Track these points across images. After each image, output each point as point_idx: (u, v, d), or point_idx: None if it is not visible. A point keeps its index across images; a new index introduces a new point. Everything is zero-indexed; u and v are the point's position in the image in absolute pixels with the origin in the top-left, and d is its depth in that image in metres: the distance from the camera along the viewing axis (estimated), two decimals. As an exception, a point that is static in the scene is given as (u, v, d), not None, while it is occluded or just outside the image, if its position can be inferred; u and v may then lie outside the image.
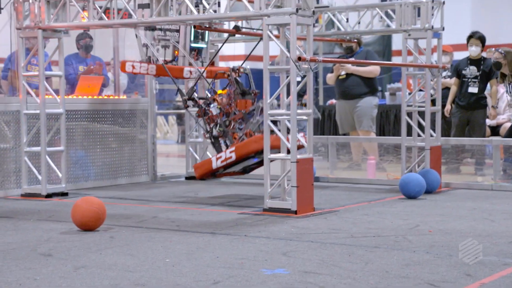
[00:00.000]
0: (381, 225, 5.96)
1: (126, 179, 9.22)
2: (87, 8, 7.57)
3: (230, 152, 7.18)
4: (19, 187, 7.97)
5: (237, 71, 7.61)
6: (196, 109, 7.73)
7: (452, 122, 9.79)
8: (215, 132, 7.50)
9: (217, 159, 7.27)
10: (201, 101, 7.60)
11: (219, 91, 7.61)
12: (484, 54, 9.76)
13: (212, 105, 7.50)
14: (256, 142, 7.06)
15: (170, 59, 8.06)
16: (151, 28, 7.91)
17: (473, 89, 9.59)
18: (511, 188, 8.19)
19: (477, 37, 9.54)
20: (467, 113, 9.68)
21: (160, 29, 7.96)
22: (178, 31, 8.07)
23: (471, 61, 9.62)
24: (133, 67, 7.94)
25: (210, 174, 7.45)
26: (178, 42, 8.04)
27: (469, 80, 9.58)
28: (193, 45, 8.11)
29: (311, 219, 6.22)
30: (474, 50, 9.54)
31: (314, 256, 4.72)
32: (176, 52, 8.08)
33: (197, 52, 8.17)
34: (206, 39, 8.27)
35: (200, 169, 7.48)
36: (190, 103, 7.71)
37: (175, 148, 16.07)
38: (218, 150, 7.51)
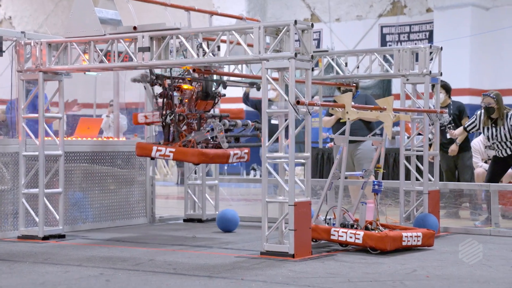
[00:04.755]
0: (379, 269, 5.92)
1: (124, 221, 9.19)
2: (88, 51, 7.64)
3: (170, 151, 7.45)
4: (16, 229, 7.94)
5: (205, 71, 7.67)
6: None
7: (441, 168, 9.88)
8: (168, 119, 7.62)
9: (157, 151, 7.56)
10: (167, 83, 7.65)
11: (185, 86, 7.65)
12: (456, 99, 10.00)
13: (175, 93, 7.63)
14: (194, 156, 7.36)
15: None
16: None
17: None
18: (510, 234, 8.15)
19: (441, 85, 9.71)
20: (453, 158, 9.97)
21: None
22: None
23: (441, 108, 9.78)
24: (146, 117, 8.11)
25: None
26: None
27: (445, 127, 9.75)
28: None
29: (309, 263, 6.19)
30: (440, 98, 9.71)
31: (311, 301, 4.69)
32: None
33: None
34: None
35: (140, 150, 7.77)
36: (156, 81, 7.69)
37: (175, 189, 16.05)
38: (165, 136, 7.71)
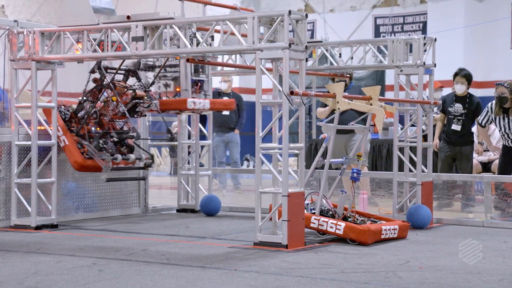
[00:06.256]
0: (372, 260, 5.93)
1: (117, 211, 9.17)
2: (81, 40, 7.60)
3: (63, 140, 7.96)
4: (8, 219, 7.91)
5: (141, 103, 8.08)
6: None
7: (439, 157, 9.80)
8: (85, 104, 8.08)
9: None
10: (106, 79, 7.94)
11: (114, 98, 7.99)
12: (472, 91, 9.78)
13: (104, 92, 8.02)
14: (75, 163, 7.95)
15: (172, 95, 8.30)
16: (150, 67, 8.10)
17: (457, 127, 9.66)
18: (502, 225, 8.18)
19: (462, 75, 9.53)
20: (455, 149, 9.79)
21: (159, 66, 8.11)
22: (177, 66, 8.19)
23: (457, 98, 9.60)
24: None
25: None
26: (178, 78, 8.19)
27: (454, 117, 9.61)
28: (194, 78, 8.22)
29: (302, 254, 6.19)
30: (459, 88, 9.55)
31: (304, 292, 4.69)
32: (178, 88, 8.20)
33: (199, 85, 8.26)
34: (207, 72, 8.41)
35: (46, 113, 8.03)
36: (98, 71, 7.98)
37: (168, 180, 16.03)
38: (76, 110, 8.13)
